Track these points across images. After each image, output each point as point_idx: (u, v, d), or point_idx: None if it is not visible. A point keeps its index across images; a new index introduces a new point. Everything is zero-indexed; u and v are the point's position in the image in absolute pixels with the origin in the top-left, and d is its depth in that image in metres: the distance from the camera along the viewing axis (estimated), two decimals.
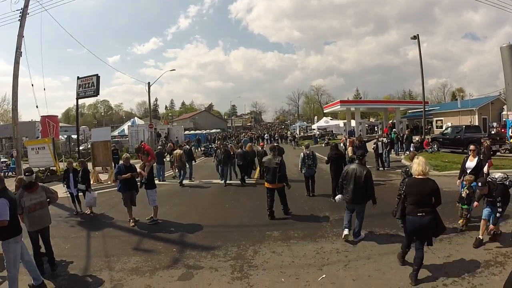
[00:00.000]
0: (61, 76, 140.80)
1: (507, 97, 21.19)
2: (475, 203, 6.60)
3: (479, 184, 6.09)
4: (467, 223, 7.00)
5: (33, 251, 5.95)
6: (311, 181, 11.06)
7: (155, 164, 14.31)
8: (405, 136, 22.87)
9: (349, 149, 13.41)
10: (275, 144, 18.53)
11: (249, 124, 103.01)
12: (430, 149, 21.87)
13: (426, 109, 30.03)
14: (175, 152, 15.26)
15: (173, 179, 15.95)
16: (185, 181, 14.58)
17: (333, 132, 49.52)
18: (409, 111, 51.14)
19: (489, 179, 6.21)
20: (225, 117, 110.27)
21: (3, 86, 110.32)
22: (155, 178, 9.75)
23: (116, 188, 9.33)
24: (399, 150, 22.29)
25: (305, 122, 75.78)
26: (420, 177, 5.11)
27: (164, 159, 16.81)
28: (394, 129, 31.25)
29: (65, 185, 10.31)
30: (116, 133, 46.99)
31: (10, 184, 10.76)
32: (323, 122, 58.62)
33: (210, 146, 32.50)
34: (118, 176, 8.67)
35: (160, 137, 37.92)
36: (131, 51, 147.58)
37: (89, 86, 21.78)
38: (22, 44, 15.44)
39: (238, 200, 11.10)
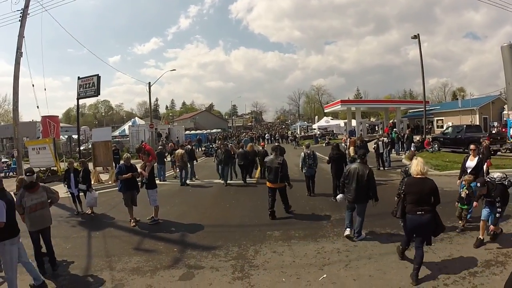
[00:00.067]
0: (61, 76, 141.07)
1: (507, 96, 21.15)
2: (475, 203, 6.60)
3: (478, 184, 6.08)
4: (465, 223, 7.00)
5: (34, 251, 5.96)
6: (311, 181, 11.08)
7: (156, 164, 14.34)
8: (406, 135, 22.85)
9: (351, 149, 13.39)
10: (276, 144, 18.54)
11: (250, 124, 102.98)
12: (431, 149, 21.87)
13: (426, 108, 29.99)
14: (176, 152, 15.26)
15: (174, 179, 15.95)
16: (187, 181, 14.57)
17: (334, 132, 49.51)
18: (410, 111, 51.09)
19: (488, 179, 6.17)
20: (226, 117, 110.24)
21: (3, 86, 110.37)
22: (156, 178, 9.74)
23: (117, 188, 9.35)
24: (400, 149, 22.27)
25: (305, 122, 75.82)
26: (418, 176, 5.19)
27: (165, 159, 16.83)
28: (395, 129, 31.25)
29: (66, 185, 10.32)
30: (116, 133, 47.01)
31: (11, 184, 10.79)
32: (324, 122, 58.69)
33: (210, 146, 32.50)
34: (119, 176, 8.67)
35: (160, 137, 37.95)
36: (132, 51, 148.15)
37: (89, 86, 21.79)
38: (23, 45, 15.46)
39: (239, 200, 11.10)
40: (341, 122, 55.56)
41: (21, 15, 15.49)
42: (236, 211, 9.74)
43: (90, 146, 24.24)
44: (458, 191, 7.15)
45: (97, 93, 22.01)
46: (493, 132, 25.78)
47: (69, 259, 6.51)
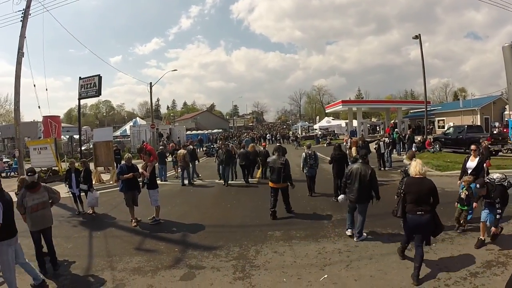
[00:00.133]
0: (63, 76, 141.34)
1: (509, 96, 21.06)
2: (474, 204, 6.60)
3: (478, 185, 6.06)
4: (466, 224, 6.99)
5: (35, 251, 5.97)
6: (312, 181, 11.10)
7: (157, 164, 14.35)
8: (407, 136, 22.81)
9: (353, 149, 13.40)
10: (278, 144, 18.55)
11: (251, 124, 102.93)
12: (432, 149, 21.84)
13: (428, 109, 29.93)
14: (179, 152, 15.28)
15: (175, 179, 15.96)
16: (186, 181, 14.59)
17: (335, 132, 49.44)
18: (411, 111, 50.99)
19: (488, 180, 6.13)
20: (227, 117, 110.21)
21: (5, 86, 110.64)
22: (157, 178, 9.76)
23: (118, 188, 9.36)
24: (401, 150, 22.22)
25: (307, 122, 75.73)
26: (417, 176, 5.30)
27: (166, 159, 16.84)
28: (396, 129, 31.20)
29: (67, 185, 10.34)
30: (118, 133, 47.03)
31: (13, 184, 10.81)
32: (325, 122, 58.64)
33: (212, 146, 32.51)
34: (120, 176, 8.68)
35: (162, 137, 37.98)
36: (133, 52, 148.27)
37: (91, 86, 21.87)
38: (24, 45, 15.48)
39: (240, 200, 11.11)
40: (342, 123, 55.48)
41: (23, 15, 15.53)
42: (237, 211, 9.74)
43: (91, 146, 24.26)
44: (459, 191, 7.13)
45: (98, 93, 22.10)
46: (495, 132, 25.76)
47: (70, 259, 6.52)
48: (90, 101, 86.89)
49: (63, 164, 18.07)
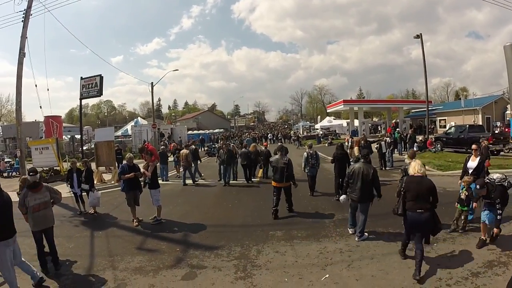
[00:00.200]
0: (64, 76, 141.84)
1: (510, 96, 21.03)
2: (474, 204, 6.58)
3: (478, 186, 6.00)
4: (465, 226, 6.96)
5: (37, 250, 5.99)
6: (313, 181, 11.11)
7: (158, 164, 14.37)
8: (408, 135, 22.80)
9: (355, 149, 13.42)
10: (280, 144, 18.54)
11: (252, 124, 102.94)
12: (434, 149, 21.82)
13: (429, 108, 29.89)
14: (181, 151, 15.30)
15: (176, 179, 15.97)
16: (189, 181, 14.62)
17: (336, 131, 49.40)
18: (413, 111, 50.95)
19: (488, 180, 6.08)
20: (228, 117, 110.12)
21: (6, 86, 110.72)
22: (158, 178, 9.77)
23: (120, 188, 9.37)
24: (403, 149, 22.19)
25: (308, 122, 75.77)
26: (416, 174, 5.48)
27: (168, 159, 16.84)
28: (397, 129, 31.18)
29: (69, 185, 10.34)
30: (119, 133, 47.08)
31: (14, 184, 10.83)
32: (326, 121, 58.59)
33: (213, 146, 32.53)
34: (122, 176, 8.70)
35: (163, 137, 38.01)
36: (134, 52, 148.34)
37: (92, 86, 21.88)
38: (26, 45, 15.50)
39: (241, 200, 11.11)
40: (344, 122, 55.48)
41: (24, 15, 15.53)
42: (239, 211, 9.75)
43: (93, 146, 24.27)
44: (459, 192, 7.11)
45: (99, 93, 22.11)
46: (496, 132, 25.72)
47: (72, 258, 6.54)
48: (91, 101, 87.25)
49: (65, 164, 18.08)
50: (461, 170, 8.45)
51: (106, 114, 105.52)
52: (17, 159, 19.90)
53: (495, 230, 5.86)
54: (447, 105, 51.09)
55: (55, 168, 18.19)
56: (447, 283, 4.79)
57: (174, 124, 62.14)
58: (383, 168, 16.05)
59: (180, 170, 15.93)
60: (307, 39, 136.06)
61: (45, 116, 25.00)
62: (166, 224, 8.71)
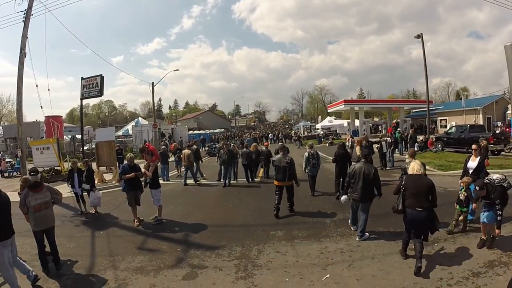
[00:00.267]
0: (65, 76, 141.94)
1: (511, 96, 21.06)
2: (474, 205, 6.57)
3: (477, 188, 5.97)
4: (465, 226, 6.94)
5: (38, 250, 6.00)
6: (313, 180, 11.13)
7: (159, 164, 14.38)
8: (409, 135, 22.78)
9: (357, 148, 13.43)
10: (280, 143, 18.57)
11: (253, 124, 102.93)
12: (434, 149, 21.80)
13: (430, 108, 29.89)
14: (184, 151, 15.31)
15: (177, 179, 15.98)
16: (190, 181, 14.63)
17: (337, 131, 49.40)
18: (413, 111, 50.89)
19: (487, 181, 6.04)
20: (229, 117, 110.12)
21: (7, 86, 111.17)
22: (159, 178, 9.78)
23: (121, 188, 9.38)
24: (404, 149, 22.17)
25: (308, 122, 75.77)
26: (415, 173, 5.66)
27: (168, 159, 16.86)
28: (398, 129, 31.17)
29: (70, 185, 10.34)
30: (120, 133, 47.16)
31: (15, 184, 10.85)
32: (327, 121, 58.61)
33: (214, 146, 32.56)
34: (123, 176, 8.70)
35: (164, 137, 38.04)
36: (135, 52, 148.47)
37: (93, 86, 21.92)
38: (26, 45, 15.52)
39: (242, 200, 11.10)
40: (345, 122, 55.51)
41: (25, 15, 15.56)
42: (240, 211, 9.74)
43: (93, 146, 24.33)
44: (458, 192, 7.10)
45: (100, 93, 22.15)
46: (497, 132, 25.70)
47: (73, 258, 6.54)
48: (92, 101, 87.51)
49: (66, 164, 18.11)
50: (461, 170, 8.43)
51: (107, 114, 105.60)
52: (18, 159, 19.92)
53: (497, 231, 5.85)
54: (448, 105, 51.02)
55: (56, 168, 18.22)
56: (448, 283, 4.79)
57: (175, 124, 62.19)
58: (384, 168, 16.03)
59: (182, 170, 15.94)
60: (308, 39, 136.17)
61: (46, 116, 25.07)
62: (167, 224, 8.71)
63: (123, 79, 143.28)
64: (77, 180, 10.07)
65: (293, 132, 60.38)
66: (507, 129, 25.30)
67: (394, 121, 46.23)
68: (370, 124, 51.58)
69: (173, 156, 18.70)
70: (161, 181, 10.38)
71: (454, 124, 28.85)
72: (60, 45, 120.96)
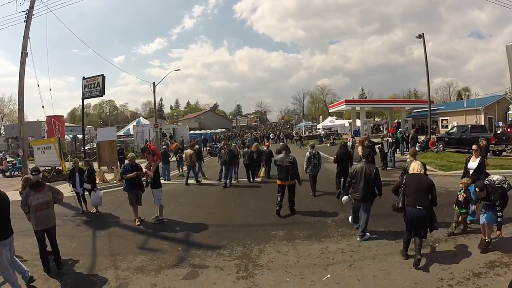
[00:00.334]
0: (66, 76, 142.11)
1: None
2: (473, 207, 6.55)
3: (477, 189, 5.89)
4: (465, 227, 6.92)
5: (39, 249, 6.00)
6: (314, 180, 11.14)
7: (160, 163, 14.39)
8: (410, 135, 22.76)
9: (359, 148, 13.44)
10: (282, 143, 18.57)
11: (254, 123, 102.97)
12: (436, 149, 21.78)
13: (431, 108, 29.87)
14: (186, 151, 15.33)
15: (178, 179, 16.00)
16: (191, 181, 14.64)
17: (338, 131, 49.38)
18: (415, 111, 50.86)
19: (487, 182, 6.00)
20: (230, 116, 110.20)
21: (9, 86, 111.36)
22: (160, 178, 9.78)
23: (122, 187, 9.39)
24: (405, 149, 22.13)
25: (310, 122, 75.72)
26: (415, 172, 5.83)
27: (170, 159, 16.88)
28: (399, 129, 31.14)
29: (71, 185, 10.37)
30: (121, 133, 47.27)
31: (17, 184, 10.87)
32: (328, 121, 58.60)
33: (215, 146, 32.59)
34: (124, 176, 8.71)
35: (165, 136, 38.07)
36: (136, 52, 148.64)
37: (94, 86, 21.91)
38: (28, 45, 15.55)
39: (243, 200, 11.10)
40: (346, 122, 55.50)
41: (26, 15, 15.58)
42: (241, 211, 9.75)
43: (95, 145, 24.34)
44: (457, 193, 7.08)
45: (102, 93, 22.14)
46: (498, 132, 25.62)
47: (74, 257, 6.55)
48: (93, 101, 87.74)
49: (67, 164, 18.14)
50: (463, 170, 8.40)
51: (108, 114, 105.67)
52: (19, 158, 19.91)
53: (497, 232, 5.83)
54: (449, 105, 50.90)
55: (57, 167, 18.25)
56: (448, 283, 4.78)
57: (176, 124, 62.15)
58: (385, 168, 16.02)
59: (184, 169, 15.94)
60: (309, 39, 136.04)
61: (47, 116, 25.08)
62: (168, 223, 8.72)
63: (125, 79, 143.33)
64: (78, 180, 10.09)
65: (294, 132, 60.30)
66: (509, 129, 25.24)
67: (396, 121, 46.17)
68: (372, 124, 51.56)
69: (174, 156, 18.71)
70: (162, 181, 10.39)
71: (455, 124, 28.79)
72: (61, 45, 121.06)
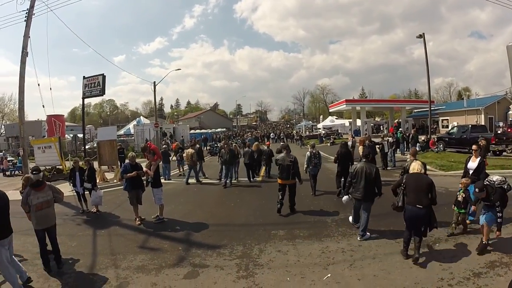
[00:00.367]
0: (67, 76, 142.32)
1: None
2: (473, 207, 6.55)
3: (477, 190, 5.87)
4: (465, 227, 6.91)
5: (40, 248, 6.00)
6: (314, 180, 11.16)
7: (161, 163, 14.39)
8: (411, 135, 22.74)
9: (360, 148, 13.44)
10: (282, 142, 18.59)
11: (255, 123, 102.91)
12: (436, 149, 21.77)
13: (432, 108, 29.86)
14: (187, 151, 15.33)
15: (179, 178, 16.00)
16: (192, 180, 14.63)
17: (339, 131, 49.39)
18: (415, 111, 50.83)
19: (487, 183, 6.00)
20: (231, 116, 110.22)
21: (9, 86, 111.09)
22: (161, 177, 9.78)
23: (122, 186, 9.39)
24: (405, 149, 22.12)
25: (310, 122, 75.71)
26: (415, 171, 5.95)
27: (170, 158, 16.89)
28: (400, 129, 31.13)
29: (71, 184, 10.38)
30: (122, 132, 47.25)
31: (17, 183, 10.87)
32: (329, 121, 58.62)
33: (215, 145, 32.60)
34: (124, 175, 8.71)
35: (165, 136, 38.07)
36: (137, 51, 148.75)
37: (95, 85, 21.95)
38: (28, 44, 15.55)
39: (244, 199, 11.11)
40: (346, 122, 55.54)
41: (27, 15, 15.57)
42: (241, 210, 9.75)
43: (95, 145, 24.33)
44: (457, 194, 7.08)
45: (102, 92, 22.18)
46: (499, 132, 25.60)
47: (75, 257, 6.55)
48: (94, 100, 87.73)
49: (67, 163, 18.15)
50: (463, 170, 8.40)
51: (108, 113, 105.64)
52: (19, 157, 19.90)
53: (497, 232, 5.83)
54: (450, 105, 50.86)
55: (57, 167, 18.24)
56: (449, 283, 4.79)
57: (177, 123, 62.19)
58: (385, 168, 16.02)
59: (185, 168, 15.94)
60: (310, 38, 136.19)
61: (47, 115, 25.15)
62: (168, 223, 8.72)
63: (125, 78, 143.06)
64: (78, 179, 10.09)
65: (294, 131, 60.30)
66: (509, 130, 25.18)
67: (396, 121, 46.17)
68: (372, 124, 51.55)
69: (174, 155, 18.71)
70: (162, 180, 10.38)
71: (455, 124, 28.77)
72: (62, 44, 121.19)
